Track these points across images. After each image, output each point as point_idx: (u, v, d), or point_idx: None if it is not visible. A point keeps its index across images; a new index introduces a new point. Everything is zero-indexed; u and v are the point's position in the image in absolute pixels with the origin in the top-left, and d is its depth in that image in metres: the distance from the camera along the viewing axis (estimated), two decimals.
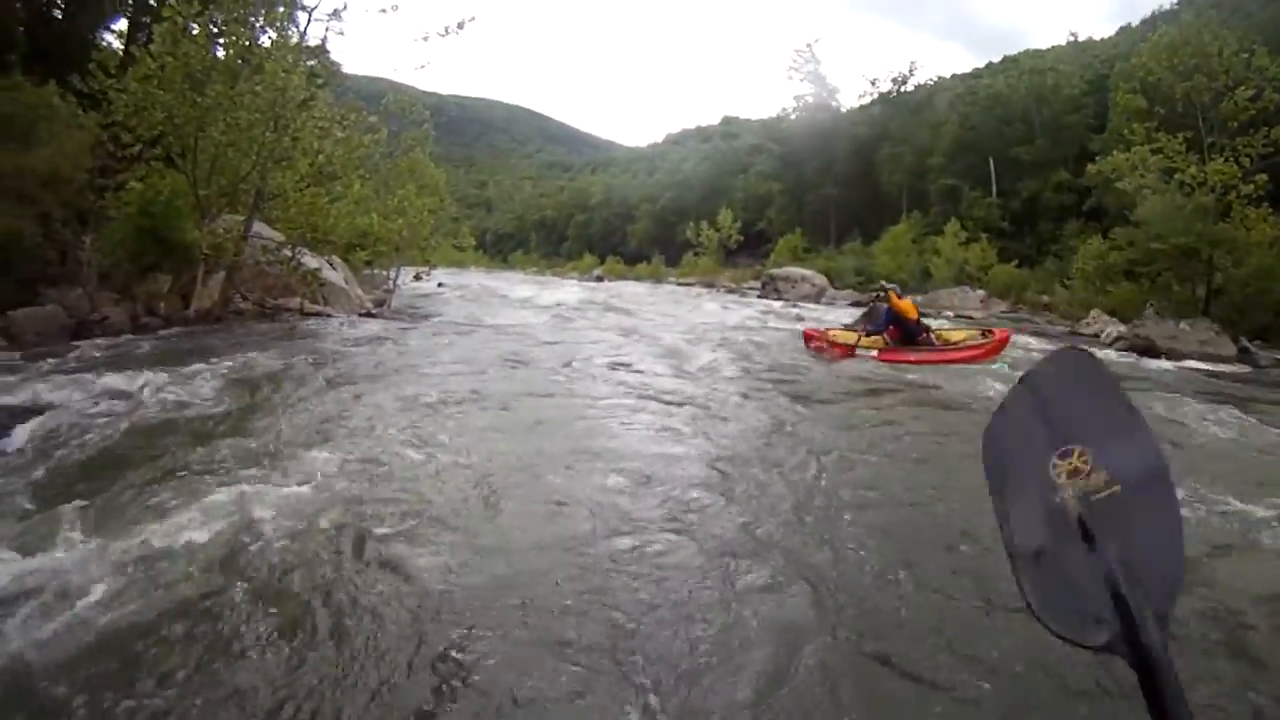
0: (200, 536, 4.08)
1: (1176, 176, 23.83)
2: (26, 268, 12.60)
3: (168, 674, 2.89)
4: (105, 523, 4.23)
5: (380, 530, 4.32)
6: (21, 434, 6.07)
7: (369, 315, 18.07)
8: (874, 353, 12.45)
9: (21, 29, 15.06)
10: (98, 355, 9.87)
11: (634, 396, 8.76)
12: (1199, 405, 9.27)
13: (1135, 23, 68.27)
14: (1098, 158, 29.06)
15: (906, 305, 13.07)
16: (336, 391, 8.26)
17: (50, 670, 2.88)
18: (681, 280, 57.80)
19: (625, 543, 4.35)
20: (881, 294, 13.57)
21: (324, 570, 3.81)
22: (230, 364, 9.36)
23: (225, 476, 5.08)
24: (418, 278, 29.89)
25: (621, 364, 11.27)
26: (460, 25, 18.97)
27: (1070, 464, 0.88)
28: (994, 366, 11.70)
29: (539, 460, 5.88)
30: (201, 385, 8.10)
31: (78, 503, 4.49)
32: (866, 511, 5.02)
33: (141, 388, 7.70)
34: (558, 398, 8.66)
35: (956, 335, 13.35)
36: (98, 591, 3.48)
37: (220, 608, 3.41)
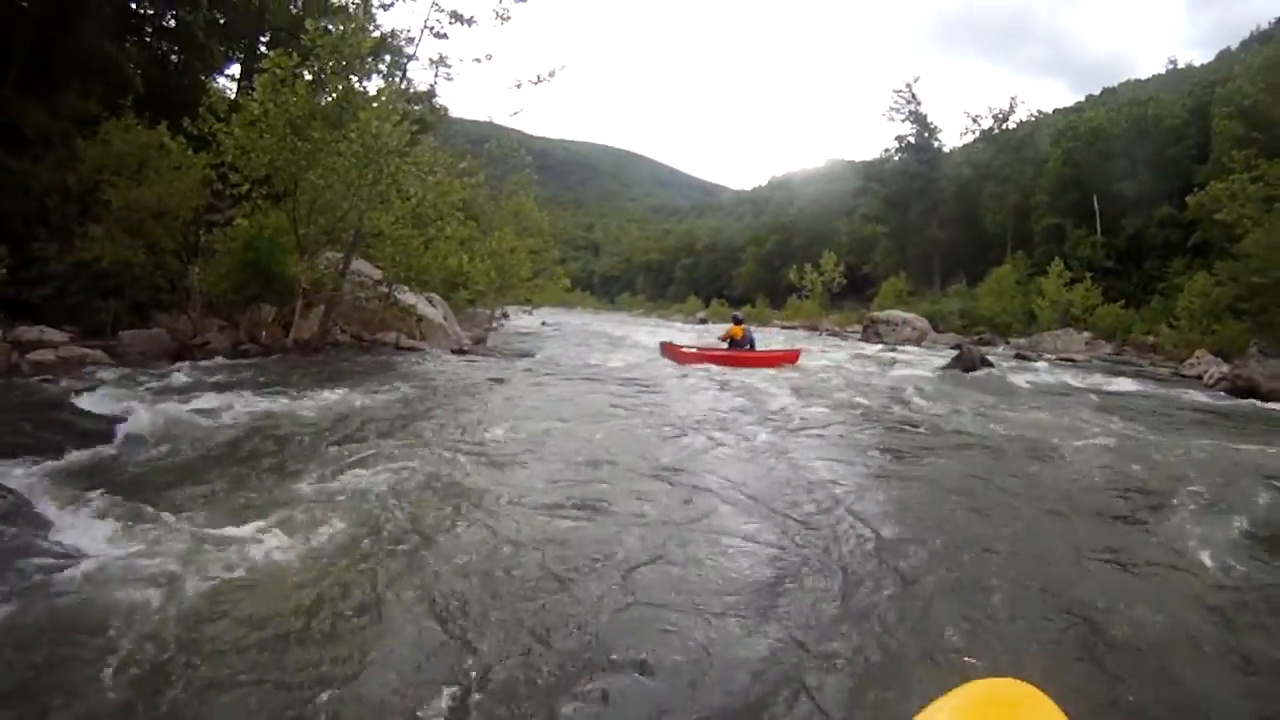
0: (249, 546, 4.31)
1: (1278, 205, 22.67)
2: (138, 293, 13.62)
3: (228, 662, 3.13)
4: (167, 521, 4.56)
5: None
6: (116, 437, 6.68)
7: (462, 352, 18.54)
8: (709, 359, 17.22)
9: (139, 74, 16.24)
10: (193, 376, 10.54)
11: (716, 442, 8.34)
12: None
13: (1234, 46, 65.61)
14: (1197, 189, 27.98)
15: (733, 330, 18.31)
16: (407, 420, 8.57)
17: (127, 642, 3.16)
18: (785, 324, 57.18)
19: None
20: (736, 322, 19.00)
21: (357, 594, 3.99)
22: (314, 390, 9.83)
23: (285, 490, 5.44)
24: (505, 316, 30.44)
25: (705, 408, 10.69)
26: (551, 74, 19.59)
27: None
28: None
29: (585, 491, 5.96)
30: (282, 406, 8.61)
31: (149, 502, 4.88)
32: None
33: (223, 405, 8.26)
34: (623, 437, 8.39)
35: (776, 354, 18.93)
36: (158, 580, 3.76)
37: (273, 608, 3.63)
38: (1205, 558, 4.96)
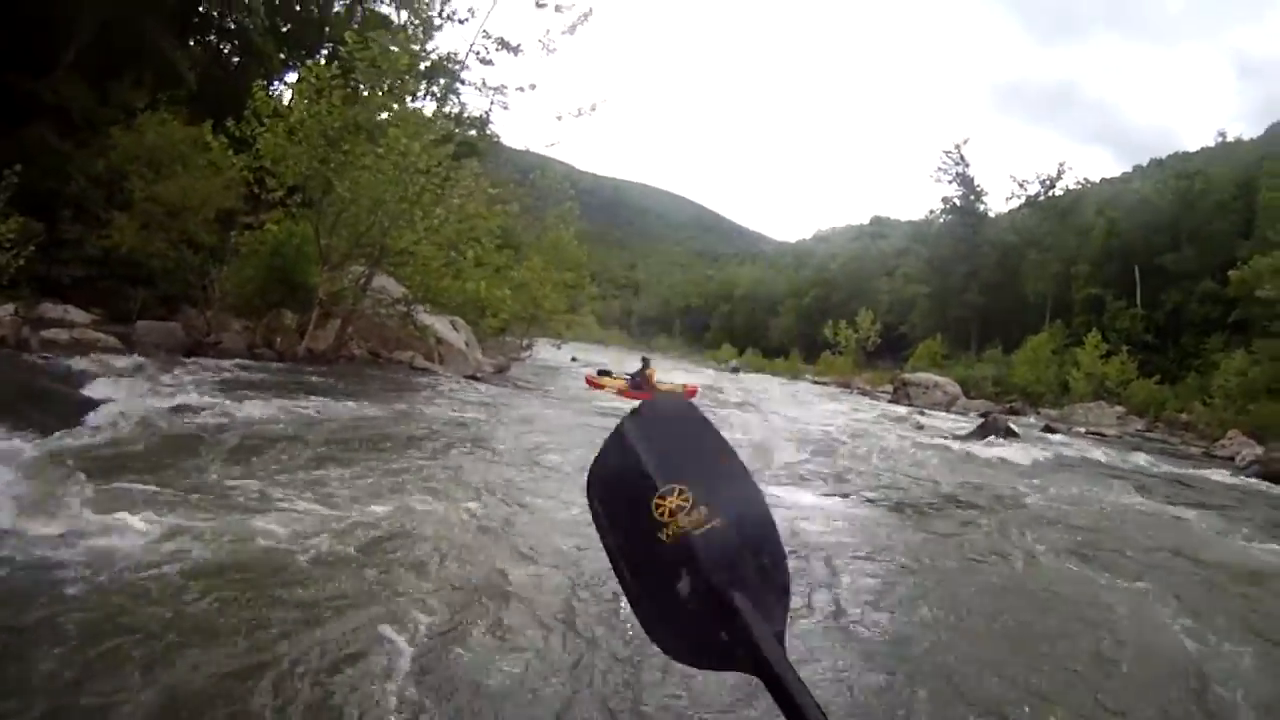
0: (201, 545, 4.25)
1: None
2: (170, 286, 13.94)
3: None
4: (119, 511, 4.50)
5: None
6: (91, 422, 6.75)
7: (477, 379, 18.34)
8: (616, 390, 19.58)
9: (195, 71, 16.62)
10: (197, 373, 10.64)
11: None
12: None
13: None
14: (1242, 264, 27.55)
15: (649, 372, 20.46)
16: (396, 443, 8.29)
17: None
18: (818, 378, 56.66)
19: None
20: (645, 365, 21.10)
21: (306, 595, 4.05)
22: (304, 401, 9.67)
23: (246, 496, 5.34)
24: (528, 347, 30.13)
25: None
26: (593, 107, 19.69)
27: (671, 502, 0.90)
28: None
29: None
30: (267, 411, 8.47)
31: (105, 486, 4.90)
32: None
33: (209, 403, 8.26)
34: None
35: (667, 387, 21.25)
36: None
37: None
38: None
